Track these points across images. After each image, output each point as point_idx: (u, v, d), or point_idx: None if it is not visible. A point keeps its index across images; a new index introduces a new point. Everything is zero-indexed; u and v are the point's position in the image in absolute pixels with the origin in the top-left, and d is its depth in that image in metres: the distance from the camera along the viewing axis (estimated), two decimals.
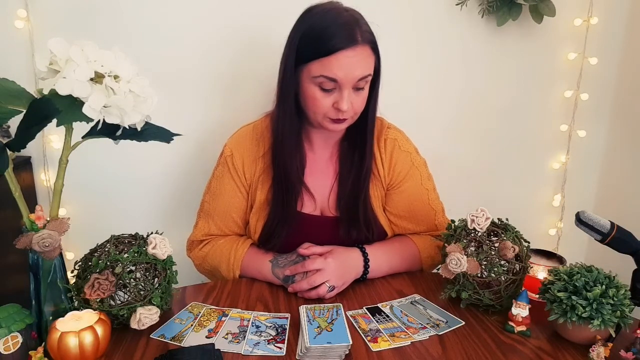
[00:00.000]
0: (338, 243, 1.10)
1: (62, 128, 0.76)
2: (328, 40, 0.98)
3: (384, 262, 1.11)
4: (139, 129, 0.81)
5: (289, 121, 1.07)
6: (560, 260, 1.03)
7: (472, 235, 0.96)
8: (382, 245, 1.15)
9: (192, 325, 0.91)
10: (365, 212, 1.13)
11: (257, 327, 0.90)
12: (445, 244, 0.97)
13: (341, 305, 0.95)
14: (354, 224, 1.12)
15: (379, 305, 0.99)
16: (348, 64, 0.98)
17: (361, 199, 1.12)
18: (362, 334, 0.88)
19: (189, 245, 1.21)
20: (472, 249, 0.95)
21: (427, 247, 1.15)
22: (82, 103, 0.72)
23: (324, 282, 1.00)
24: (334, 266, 1.02)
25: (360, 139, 1.12)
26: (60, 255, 0.83)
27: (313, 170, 1.15)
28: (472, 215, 0.96)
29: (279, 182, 1.11)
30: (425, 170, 1.20)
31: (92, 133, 0.80)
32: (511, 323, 0.90)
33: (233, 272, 1.11)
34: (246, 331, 0.89)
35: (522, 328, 0.89)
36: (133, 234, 0.92)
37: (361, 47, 1.00)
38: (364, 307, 0.98)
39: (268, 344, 0.85)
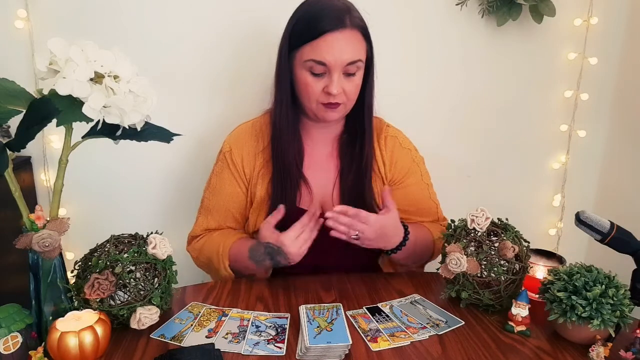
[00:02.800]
0: (341, 241, 1.10)
1: (62, 128, 0.76)
2: (317, 23, 1.01)
3: (411, 244, 1.10)
4: (138, 129, 0.81)
5: (285, 110, 1.09)
6: (560, 260, 1.03)
7: (472, 235, 0.96)
8: (412, 226, 1.13)
9: (192, 325, 0.91)
10: (371, 202, 1.13)
11: (257, 327, 0.90)
12: (445, 244, 0.97)
13: (341, 305, 0.95)
14: None
15: (379, 305, 0.99)
16: (336, 47, 1.00)
17: (366, 189, 1.12)
18: (362, 334, 0.88)
19: (189, 240, 1.22)
20: (472, 249, 0.95)
21: (439, 233, 1.14)
22: (82, 103, 0.72)
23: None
24: (375, 227, 1.00)
25: (359, 129, 1.13)
26: (60, 255, 0.83)
27: (314, 166, 1.16)
28: (472, 215, 0.96)
29: (278, 174, 1.11)
30: (424, 167, 1.23)
31: (92, 133, 0.80)
32: (511, 323, 0.90)
33: (223, 262, 1.10)
34: (246, 331, 0.89)
35: (522, 328, 0.89)
36: (133, 234, 0.92)
37: (350, 30, 1.02)
38: (364, 307, 0.98)
39: (268, 343, 0.85)
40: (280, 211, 1.04)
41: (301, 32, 1.04)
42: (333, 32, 1.00)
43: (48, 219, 0.81)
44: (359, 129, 1.13)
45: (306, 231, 1.02)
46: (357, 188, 1.13)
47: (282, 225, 1.10)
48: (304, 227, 1.02)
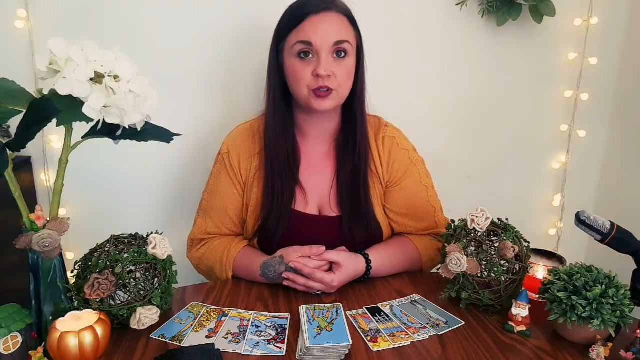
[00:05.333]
0: (339, 244, 1.10)
1: (62, 128, 0.76)
2: (301, 9, 1.04)
3: (385, 266, 1.11)
4: (138, 129, 0.81)
5: (277, 106, 1.10)
6: (560, 260, 1.03)
7: (472, 235, 0.96)
8: (384, 249, 1.14)
9: (192, 325, 0.91)
10: (367, 201, 1.13)
11: (257, 327, 0.90)
12: (445, 244, 0.97)
13: (341, 305, 0.95)
14: (356, 217, 1.12)
15: (379, 305, 0.99)
16: (321, 27, 1.02)
17: (360, 184, 1.12)
18: (362, 334, 0.88)
19: (189, 245, 1.22)
20: (472, 249, 0.95)
21: (428, 249, 1.15)
22: (82, 103, 0.72)
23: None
24: (337, 284, 1.02)
25: (352, 125, 1.13)
26: (60, 255, 0.83)
27: (311, 168, 1.16)
28: (472, 215, 0.96)
29: (271, 175, 1.11)
30: (423, 168, 1.21)
31: (92, 133, 0.80)
32: (511, 323, 0.90)
33: (226, 272, 1.11)
34: (246, 331, 0.89)
35: (522, 328, 0.89)
36: (133, 234, 0.92)
37: (335, 14, 1.04)
38: (364, 307, 0.98)
39: (268, 344, 0.85)
40: (320, 249, 1.04)
41: (287, 21, 1.06)
42: (317, 14, 1.03)
43: (48, 219, 0.81)
44: (352, 124, 1.13)
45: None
46: (353, 187, 1.13)
47: (277, 229, 1.10)
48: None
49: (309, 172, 1.16)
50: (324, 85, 1.03)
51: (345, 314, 0.93)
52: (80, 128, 0.79)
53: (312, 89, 1.04)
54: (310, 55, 1.04)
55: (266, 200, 1.12)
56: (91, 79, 0.73)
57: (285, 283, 1.02)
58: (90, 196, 1.53)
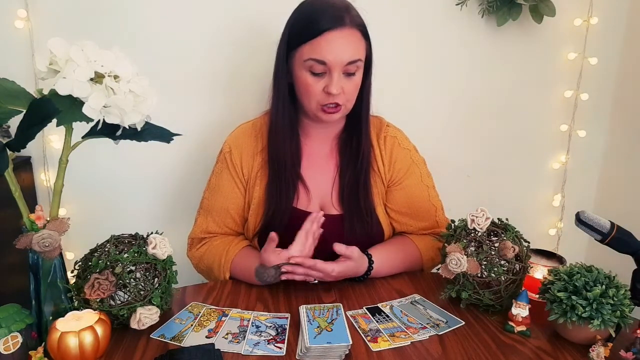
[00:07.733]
0: (340, 242, 1.10)
1: (62, 128, 0.76)
2: (316, 22, 1.01)
3: (385, 266, 1.11)
4: (138, 129, 0.81)
5: (282, 111, 1.10)
6: (560, 260, 1.03)
7: (472, 235, 0.96)
8: (385, 248, 1.14)
9: (192, 325, 0.91)
10: (366, 198, 1.13)
11: (257, 327, 0.90)
12: (445, 244, 0.97)
13: (341, 305, 0.95)
14: (357, 215, 1.12)
15: (379, 305, 0.99)
16: (336, 45, 1.01)
17: (361, 183, 1.13)
18: (362, 334, 0.88)
19: (190, 244, 1.22)
20: (472, 249, 0.95)
21: (429, 249, 1.15)
22: (82, 103, 0.72)
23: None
24: (336, 274, 1.01)
25: (356, 127, 1.14)
26: (60, 255, 0.83)
27: (313, 166, 1.16)
28: (472, 215, 0.96)
29: (274, 173, 1.12)
30: (424, 168, 1.21)
31: (92, 133, 0.80)
32: (511, 323, 0.90)
33: (223, 274, 1.10)
34: (246, 331, 0.89)
35: (522, 328, 0.89)
36: (133, 234, 0.92)
37: (349, 29, 1.02)
38: (364, 307, 0.98)
39: (268, 344, 0.85)
40: (274, 239, 1.02)
41: (300, 31, 1.04)
42: (333, 30, 1.00)
43: (48, 219, 0.81)
44: (356, 126, 1.14)
45: (310, 237, 1.03)
46: (355, 187, 1.13)
47: (279, 227, 1.10)
48: (308, 233, 1.03)
49: (311, 170, 1.16)
50: (334, 102, 1.04)
51: (345, 314, 0.93)
52: (80, 128, 0.79)
53: (321, 105, 1.05)
54: (323, 72, 1.03)
55: (269, 198, 1.12)
56: (91, 79, 0.73)
57: (284, 277, 1.01)
58: (90, 196, 1.53)
